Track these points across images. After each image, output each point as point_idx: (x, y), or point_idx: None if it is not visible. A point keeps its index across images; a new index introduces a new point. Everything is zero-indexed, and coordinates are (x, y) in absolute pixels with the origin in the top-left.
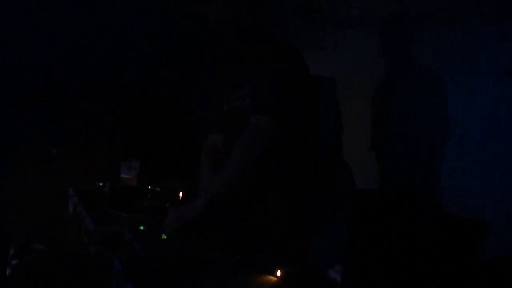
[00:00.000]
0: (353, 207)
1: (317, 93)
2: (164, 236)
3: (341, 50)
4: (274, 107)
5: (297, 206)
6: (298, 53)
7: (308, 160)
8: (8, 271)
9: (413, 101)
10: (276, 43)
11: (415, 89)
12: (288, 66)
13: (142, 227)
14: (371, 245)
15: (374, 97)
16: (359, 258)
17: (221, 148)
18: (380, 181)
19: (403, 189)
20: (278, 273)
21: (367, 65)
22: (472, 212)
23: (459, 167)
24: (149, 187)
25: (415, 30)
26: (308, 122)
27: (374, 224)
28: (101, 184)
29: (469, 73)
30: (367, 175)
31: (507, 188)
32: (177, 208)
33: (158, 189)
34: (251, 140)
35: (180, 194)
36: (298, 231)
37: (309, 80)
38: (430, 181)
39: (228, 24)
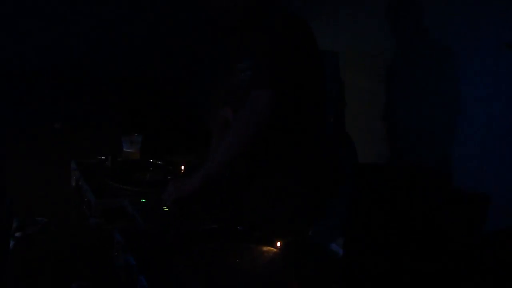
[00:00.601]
0: (354, 180)
1: (322, 68)
2: (165, 208)
3: (343, 24)
4: (274, 80)
5: (299, 178)
6: (304, 26)
7: (312, 133)
8: (11, 243)
9: (415, 75)
10: (279, 16)
11: (417, 62)
12: (289, 39)
13: (143, 200)
14: (372, 219)
15: (377, 71)
16: (360, 231)
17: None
18: (382, 155)
19: (405, 163)
20: (278, 244)
21: (369, 39)
22: (473, 185)
23: (460, 141)
24: (151, 160)
25: (417, 2)
26: (312, 95)
27: (375, 198)
28: (103, 158)
29: (472, 45)
30: (370, 149)
31: (507, 162)
32: (176, 181)
33: (160, 162)
34: (249, 115)
35: (182, 167)
36: (300, 204)
37: (315, 53)
38: (431, 155)
39: (229, 6)
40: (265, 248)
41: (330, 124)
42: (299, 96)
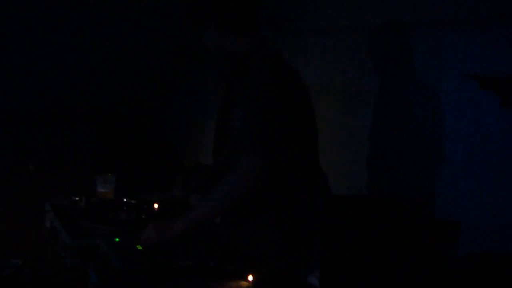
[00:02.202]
0: (327, 212)
1: (314, 117)
2: (139, 247)
3: (312, 58)
4: (264, 147)
5: (271, 213)
6: (296, 78)
7: (302, 192)
8: None
9: (385, 107)
10: (270, 68)
11: (387, 94)
12: (281, 98)
13: (117, 239)
14: (347, 250)
15: (346, 103)
16: (335, 262)
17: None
18: (354, 186)
19: (376, 193)
20: (250, 278)
21: (338, 72)
22: (444, 213)
23: (427, 169)
24: (125, 200)
25: (382, 37)
26: (306, 148)
27: (349, 229)
28: (77, 198)
29: (434, 77)
30: (341, 181)
31: (474, 188)
32: (156, 225)
33: (133, 201)
34: (238, 178)
35: (156, 206)
36: (273, 238)
37: (308, 109)
38: (402, 184)
39: (222, 52)
40: (238, 283)
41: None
42: (292, 157)
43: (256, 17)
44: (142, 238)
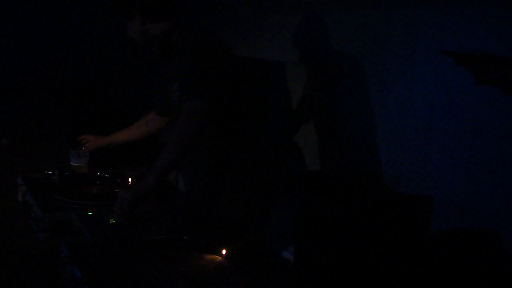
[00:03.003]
0: (302, 187)
1: (239, 73)
2: (112, 221)
3: (289, 35)
4: (199, 90)
5: (245, 187)
6: (215, 38)
7: (252, 140)
8: None
9: (358, 82)
10: (190, 37)
11: (359, 69)
12: (204, 54)
13: (90, 213)
14: (320, 225)
15: (322, 80)
16: (309, 237)
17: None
18: (328, 161)
19: (351, 169)
20: (224, 252)
21: (314, 49)
22: (416, 189)
23: (403, 146)
24: (98, 174)
25: (358, 14)
26: (242, 101)
27: (323, 204)
28: (50, 172)
29: (410, 54)
30: (316, 156)
31: (448, 164)
32: (127, 187)
33: (107, 175)
34: (186, 121)
35: (130, 180)
36: (246, 212)
37: (232, 61)
38: (376, 160)
39: (147, 39)
40: (212, 257)
41: (277, 132)
42: (226, 101)
43: (176, 2)
44: (117, 204)
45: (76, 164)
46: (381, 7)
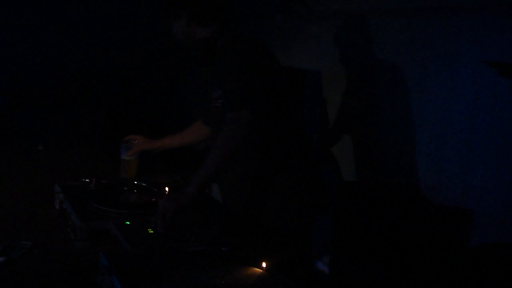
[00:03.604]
0: (338, 198)
1: (292, 83)
2: (150, 231)
3: (325, 43)
4: (244, 100)
5: (285, 198)
6: (261, 48)
7: (294, 152)
8: None
9: (396, 92)
10: (236, 45)
11: (398, 80)
12: (250, 63)
13: (128, 222)
14: (356, 236)
15: (359, 89)
16: (345, 249)
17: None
18: (365, 173)
19: (389, 180)
20: (264, 264)
21: (351, 58)
22: (456, 202)
23: (442, 157)
24: (135, 182)
25: (397, 22)
26: (287, 112)
27: (359, 216)
28: (87, 180)
29: (451, 63)
30: (353, 168)
31: (489, 177)
32: (167, 198)
33: (144, 184)
34: (229, 132)
35: (166, 188)
36: (286, 223)
37: (279, 71)
38: (414, 172)
39: (191, 42)
40: (251, 269)
41: (314, 142)
42: (272, 112)
43: (223, 7)
44: (158, 214)
45: (126, 158)
46: (421, 15)
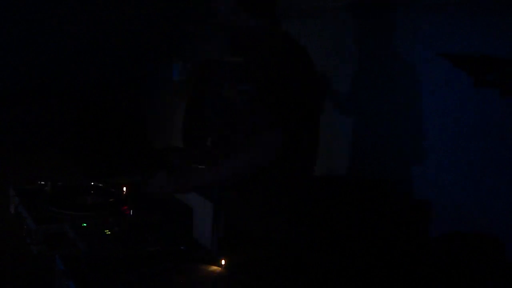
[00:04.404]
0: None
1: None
2: (107, 232)
3: (304, 40)
4: (279, 120)
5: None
6: (304, 54)
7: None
8: None
9: (379, 90)
10: (282, 49)
11: (382, 77)
12: (295, 75)
13: (84, 224)
14: (321, 228)
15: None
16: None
17: None
18: (331, 167)
19: (352, 174)
20: (223, 262)
21: (333, 55)
22: (416, 193)
23: (402, 148)
24: (92, 183)
25: (361, 17)
26: (313, 123)
27: (326, 210)
28: (42, 182)
29: (410, 55)
30: (321, 163)
31: (448, 168)
32: (171, 176)
33: (100, 185)
34: (254, 153)
35: (124, 189)
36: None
37: (315, 85)
38: (376, 166)
39: (235, 28)
40: (210, 267)
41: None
42: (302, 129)
43: (272, 3)
44: (153, 184)
45: (178, 78)
46: (381, 11)
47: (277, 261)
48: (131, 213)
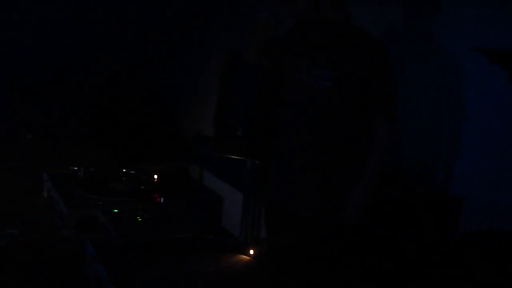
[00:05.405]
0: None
1: None
2: (139, 218)
3: None
4: (395, 112)
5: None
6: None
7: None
8: None
9: (415, 86)
10: (371, 42)
11: (418, 72)
12: (392, 69)
13: (116, 210)
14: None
15: None
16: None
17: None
18: None
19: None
20: (251, 252)
21: None
22: (448, 189)
23: (435, 144)
24: (124, 170)
25: (390, 9)
26: None
27: None
28: (75, 168)
29: (443, 50)
30: None
31: (480, 165)
32: None
33: (132, 172)
34: (387, 142)
35: (155, 176)
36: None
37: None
38: (407, 159)
39: (316, 20)
40: (238, 257)
41: None
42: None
43: None
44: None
45: (261, 16)
46: (412, 4)
47: (307, 250)
48: (162, 201)
